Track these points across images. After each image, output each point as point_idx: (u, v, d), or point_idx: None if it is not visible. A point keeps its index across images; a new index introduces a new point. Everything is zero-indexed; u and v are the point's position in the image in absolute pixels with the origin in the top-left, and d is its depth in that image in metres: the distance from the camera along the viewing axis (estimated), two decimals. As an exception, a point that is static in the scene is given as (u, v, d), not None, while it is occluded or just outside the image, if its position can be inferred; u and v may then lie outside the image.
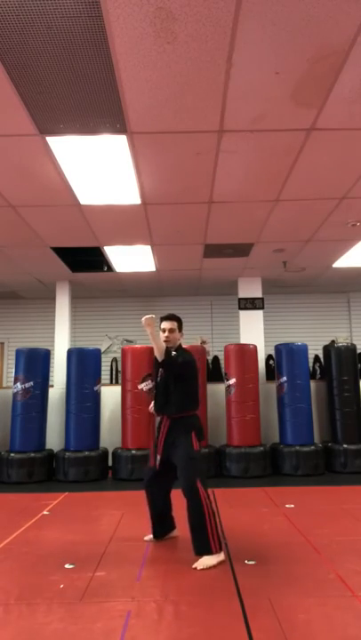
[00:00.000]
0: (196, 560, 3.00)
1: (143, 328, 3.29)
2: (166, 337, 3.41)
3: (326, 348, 6.88)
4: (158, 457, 3.32)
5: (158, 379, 3.45)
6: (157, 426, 3.44)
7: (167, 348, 3.37)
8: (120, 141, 3.45)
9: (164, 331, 3.44)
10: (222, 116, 3.16)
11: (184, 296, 8.75)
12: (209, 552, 3.01)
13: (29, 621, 2.35)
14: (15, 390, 6.27)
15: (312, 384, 6.76)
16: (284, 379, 6.43)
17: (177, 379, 3.36)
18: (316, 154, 3.70)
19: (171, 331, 3.43)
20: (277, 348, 6.65)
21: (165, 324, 3.45)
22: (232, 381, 6.38)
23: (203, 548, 3.03)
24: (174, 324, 3.46)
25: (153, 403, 3.50)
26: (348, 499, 4.79)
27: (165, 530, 3.51)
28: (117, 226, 5.19)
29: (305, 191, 4.37)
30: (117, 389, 6.71)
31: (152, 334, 3.26)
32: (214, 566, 2.97)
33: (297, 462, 6.05)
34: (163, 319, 3.49)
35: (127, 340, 8.61)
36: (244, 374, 6.37)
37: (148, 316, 3.27)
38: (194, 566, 2.94)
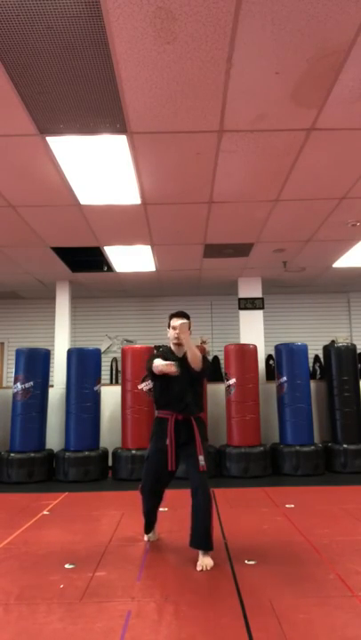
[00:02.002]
0: (196, 559, 3.00)
1: (172, 334, 3.25)
2: (177, 334, 3.33)
3: (326, 348, 6.88)
4: (173, 458, 3.22)
5: (175, 379, 3.26)
6: (163, 427, 3.28)
7: (179, 346, 3.36)
8: (120, 141, 3.45)
9: (174, 328, 3.33)
10: (222, 116, 3.16)
11: (184, 296, 8.76)
12: (212, 548, 3.05)
13: (29, 621, 2.35)
14: (15, 390, 6.27)
15: (312, 384, 6.76)
16: (284, 379, 6.43)
17: (200, 379, 3.36)
18: (316, 154, 3.70)
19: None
20: (277, 348, 6.64)
21: (176, 321, 3.35)
22: (232, 381, 6.38)
23: (210, 545, 3.05)
24: (186, 322, 3.37)
25: (170, 403, 3.30)
26: (348, 499, 4.79)
27: (154, 523, 3.53)
28: (117, 226, 5.19)
29: (305, 191, 4.38)
30: (117, 389, 6.71)
31: (187, 340, 3.22)
32: (212, 566, 2.98)
33: (297, 462, 6.05)
34: (174, 316, 3.39)
35: (127, 340, 8.61)
36: (244, 374, 6.37)
37: (183, 322, 3.23)
38: (200, 569, 2.94)
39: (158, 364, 3.16)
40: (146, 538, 3.51)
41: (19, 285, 7.96)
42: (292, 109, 3.11)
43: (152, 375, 3.33)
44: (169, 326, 3.40)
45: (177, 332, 3.31)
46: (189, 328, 3.37)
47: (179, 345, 3.36)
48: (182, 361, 3.32)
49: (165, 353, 3.40)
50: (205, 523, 3.05)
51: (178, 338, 3.32)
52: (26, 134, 3.34)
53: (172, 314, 3.41)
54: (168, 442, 3.21)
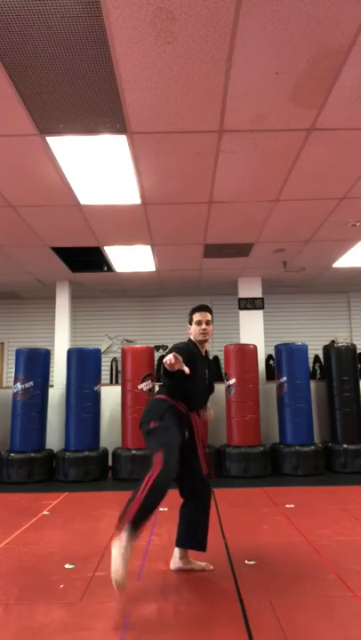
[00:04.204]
0: (196, 559, 2.99)
1: (198, 331, 3.02)
2: (203, 330, 3.05)
3: (326, 348, 6.88)
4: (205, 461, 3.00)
5: (205, 380, 3.14)
6: (178, 416, 2.93)
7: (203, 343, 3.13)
8: (120, 141, 3.45)
9: (200, 323, 3.05)
10: (222, 116, 3.16)
11: (184, 296, 8.75)
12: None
13: (29, 621, 2.35)
14: (15, 390, 6.28)
15: (312, 384, 6.76)
16: (284, 379, 6.43)
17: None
18: (316, 154, 3.70)
19: (208, 323, 3.07)
20: (277, 348, 6.65)
21: (201, 316, 3.07)
22: (232, 381, 6.38)
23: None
24: (209, 317, 3.09)
25: (192, 399, 3.03)
26: (349, 499, 4.79)
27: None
28: (117, 226, 5.19)
29: (305, 191, 4.37)
30: (117, 389, 6.71)
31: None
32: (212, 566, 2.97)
33: (297, 462, 6.05)
34: (197, 310, 3.10)
35: (127, 340, 8.61)
36: (244, 374, 6.37)
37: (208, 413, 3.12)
38: (200, 568, 2.93)
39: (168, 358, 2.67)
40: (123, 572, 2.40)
41: (19, 285, 7.96)
42: (292, 109, 3.11)
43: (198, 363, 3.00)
44: (190, 322, 3.10)
45: (204, 331, 3.07)
46: (212, 320, 3.15)
47: (203, 342, 3.11)
48: (204, 360, 3.15)
49: (198, 357, 3.06)
50: (207, 523, 2.98)
51: (205, 334, 3.06)
52: (26, 134, 3.34)
53: (195, 308, 3.14)
54: (198, 445, 2.98)
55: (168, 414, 2.87)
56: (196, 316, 3.09)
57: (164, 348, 6.69)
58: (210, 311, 3.15)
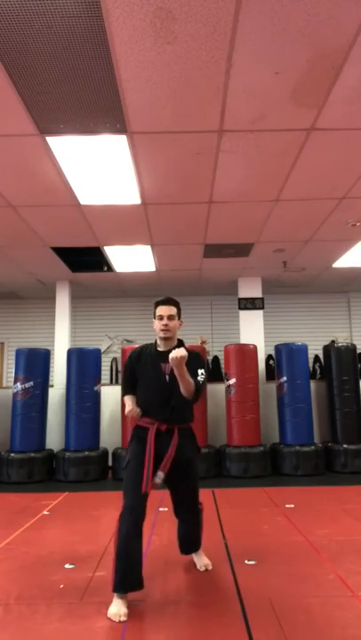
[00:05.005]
0: (207, 562, 3.03)
1: (159, 326, 2.78)
2: (164, 325, 2.75)
3: (326, 348, 6.88)
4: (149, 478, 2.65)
5: (160, 377, 2.76)
6: (142, 439, 2.72)
7: (179, 340, 2.88)
8: (120, 141, 3.45)
9: (161, 318, 2.76)
10: (222, 116, 3.16)
11: (184, 296, 8.72)
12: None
13: (29, 621, 2.35)
14: (15, 390, 6.28)
15: (312, 384, 6.76)
16: (284, 379, 6.43)
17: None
18: (316, 154, 3.70)
19: (170, 318, 2.76)
20: (277, 348, 6.65)
21: (163, 310, 2.77)
22: (232, 381, 6.38)
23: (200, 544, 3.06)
24: (173, 310, 2.80)
25: (152, 408, 2.75)
26: (349, 499, 4.79)
27: (140, 569, 2.63)
28: (117, 226, 5.19)
29: (305, 191, 4.37)
30: (117, 389, 6.70)
31: (182, 372, 2.59)
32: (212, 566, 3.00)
33: (297, 462, 6.05)
34: (159, 304, 2.81)
35: (127, 340, 8.61)
36: (244, 374, 6.37)
37: (179, 356, 2.53)
38: (203, 569, 2.96)
39: (127, 409, 2.78)
40: (121, 613, 2.37)
41: (19, 285, 7.96)
42: (292, 109, 3.11)
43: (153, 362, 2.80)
44: (154, 316, 2.82)
45: (165, 327, 2.77)
46: (179, 317, 2.85)
47: (166, 339, 2.81)
48: (163, 355, 2.77)
49: (148, 356, 2.83)
50: (193, 534, 3.01)
51: (166, 330, 2.77)
52: (26, 134, 3.34)
53: (158, 301, 2.84)
54: (146, 459, 2.64)
55: (132, 441, 2.79)
56: (158, 310, 2.80)
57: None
58: (175, 304, 2.83)
